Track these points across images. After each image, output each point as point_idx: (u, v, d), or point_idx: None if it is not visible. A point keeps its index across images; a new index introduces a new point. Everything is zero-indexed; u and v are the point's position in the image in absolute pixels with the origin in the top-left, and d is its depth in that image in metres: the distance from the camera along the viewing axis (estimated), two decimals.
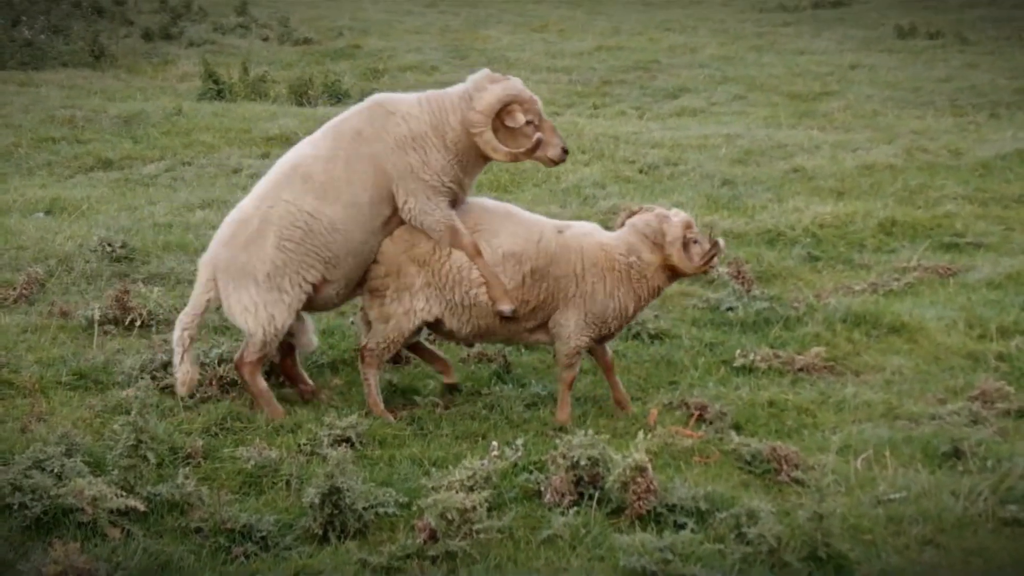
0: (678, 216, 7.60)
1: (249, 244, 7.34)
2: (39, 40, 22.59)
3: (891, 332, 9.00)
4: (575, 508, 6.17)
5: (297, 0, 32.87)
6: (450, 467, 6.47)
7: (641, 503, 6.12)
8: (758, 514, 5.95)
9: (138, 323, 8.72)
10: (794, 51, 24.87)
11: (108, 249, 10.10)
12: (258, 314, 7.34)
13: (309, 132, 15.12)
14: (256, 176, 13.46)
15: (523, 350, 8.52)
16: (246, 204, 7.49)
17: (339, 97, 18.50)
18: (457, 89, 7.66)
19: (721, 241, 7.62)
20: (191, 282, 9.58)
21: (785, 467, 6.76)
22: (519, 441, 6.85)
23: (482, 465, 6.37)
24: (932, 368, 8.43)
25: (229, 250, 7.38)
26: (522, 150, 7.52)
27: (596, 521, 6.08)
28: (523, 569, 5.80)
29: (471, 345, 8.20)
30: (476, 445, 7.01)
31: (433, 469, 6.59)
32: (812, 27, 28.56)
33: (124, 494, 5.99)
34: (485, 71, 7.68)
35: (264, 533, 5.98)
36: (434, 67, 22.35)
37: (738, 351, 8.38)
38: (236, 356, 7.53)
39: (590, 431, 6.49)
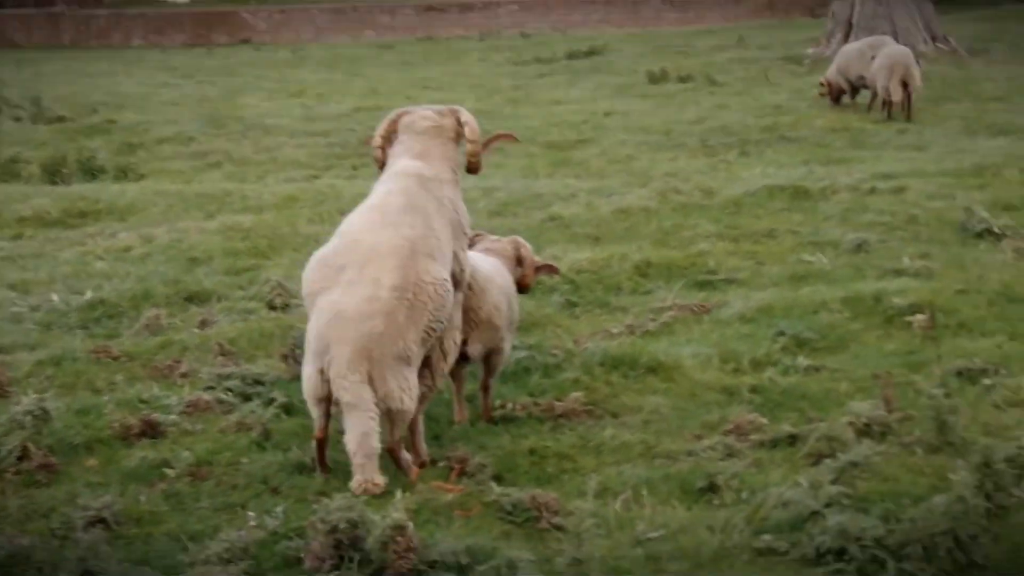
0: (524, 241, 8.78)
1: None
2: None
3: (648, 372, 9.10)
4: (336, 572, 6.09)
5: (51, 79, 32.37)
6: (208, 540, 6.38)
7: (402, 562, 6.08)
8: (517, 564, 5.99)
9: None
10: (550, 101, 25.32)
11: None
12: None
13: (64, 211, 15.20)
14: (9, 259, 13.22)
15: (283, 417, 8.39)
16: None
17: (94, 173, 18.24)
18: (432, 142, 7.86)
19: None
20: None
21: (545, 514, 6.75)
22: (279, 509, 6.76)
23: (240, 536, 6.31)
24: (688, 405, 8.56)
25: None
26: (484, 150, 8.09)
27: None
28: None
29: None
30: (236, 516, 6.89)
31: (191, 543, 6.45)
32: (567, 77, 29.15)
33: None
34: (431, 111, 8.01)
35: None
36: (191, 137, 22.18)
37: (498, 401, 8.42)
38: None
39: (347, 493, 6.46)
